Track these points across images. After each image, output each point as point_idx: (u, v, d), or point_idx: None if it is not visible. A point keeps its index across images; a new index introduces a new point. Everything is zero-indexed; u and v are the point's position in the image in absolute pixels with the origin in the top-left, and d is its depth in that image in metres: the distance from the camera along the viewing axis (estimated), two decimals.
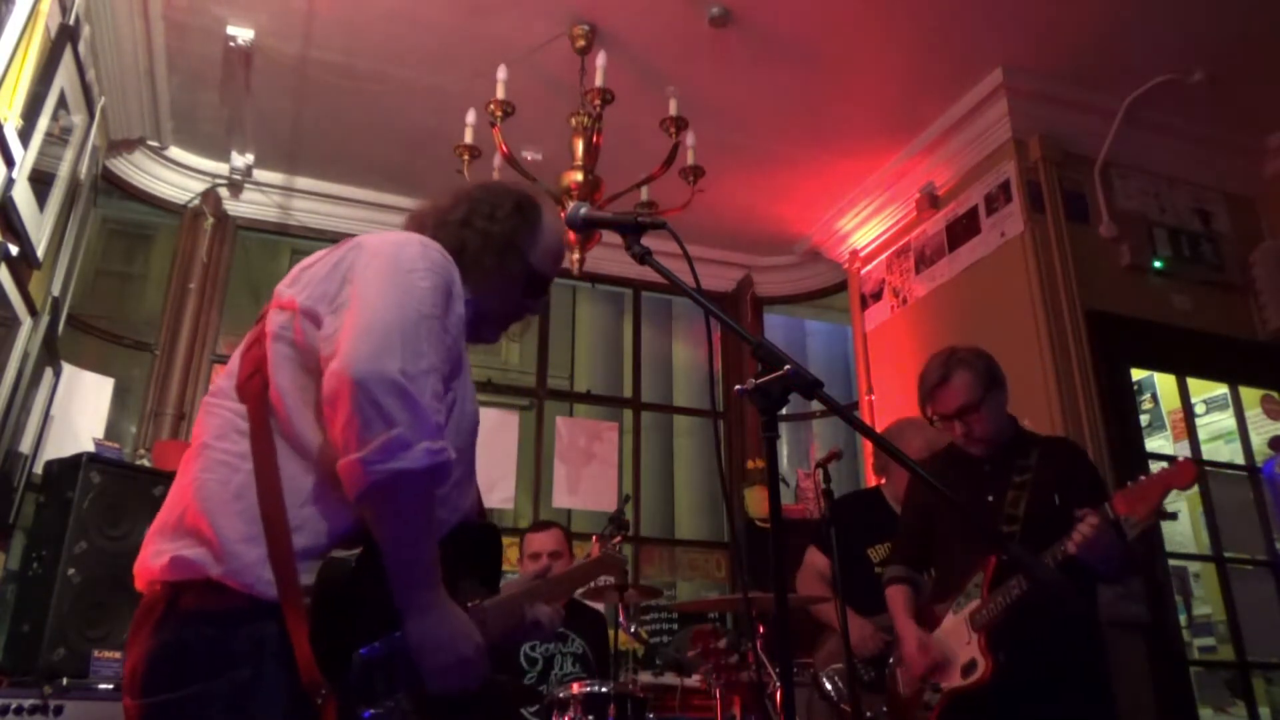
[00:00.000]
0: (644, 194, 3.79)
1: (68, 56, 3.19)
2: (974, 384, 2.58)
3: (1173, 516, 2.39)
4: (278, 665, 1.20)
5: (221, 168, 4.81)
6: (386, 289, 1.32)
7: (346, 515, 1.28)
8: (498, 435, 5.02)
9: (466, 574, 1.45)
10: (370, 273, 1.36)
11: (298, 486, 1.29)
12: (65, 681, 2.93)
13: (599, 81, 3.49)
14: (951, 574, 2.60)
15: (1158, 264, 4.15)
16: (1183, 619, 3.90)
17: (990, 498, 2.56)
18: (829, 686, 3.03)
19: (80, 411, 4.07)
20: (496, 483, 4.92)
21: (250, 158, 4.75)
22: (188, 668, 1.21)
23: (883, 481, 3.46)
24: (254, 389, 1.35)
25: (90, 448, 3.48)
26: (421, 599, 1.28)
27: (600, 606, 3.79)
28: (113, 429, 4.33)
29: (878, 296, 4.97)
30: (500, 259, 1.57)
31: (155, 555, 1.28)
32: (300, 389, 1.33)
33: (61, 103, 3.27)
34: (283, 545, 1.24)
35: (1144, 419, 4.28)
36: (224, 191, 4.89)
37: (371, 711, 1.24)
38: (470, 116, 3.69)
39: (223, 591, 1.23)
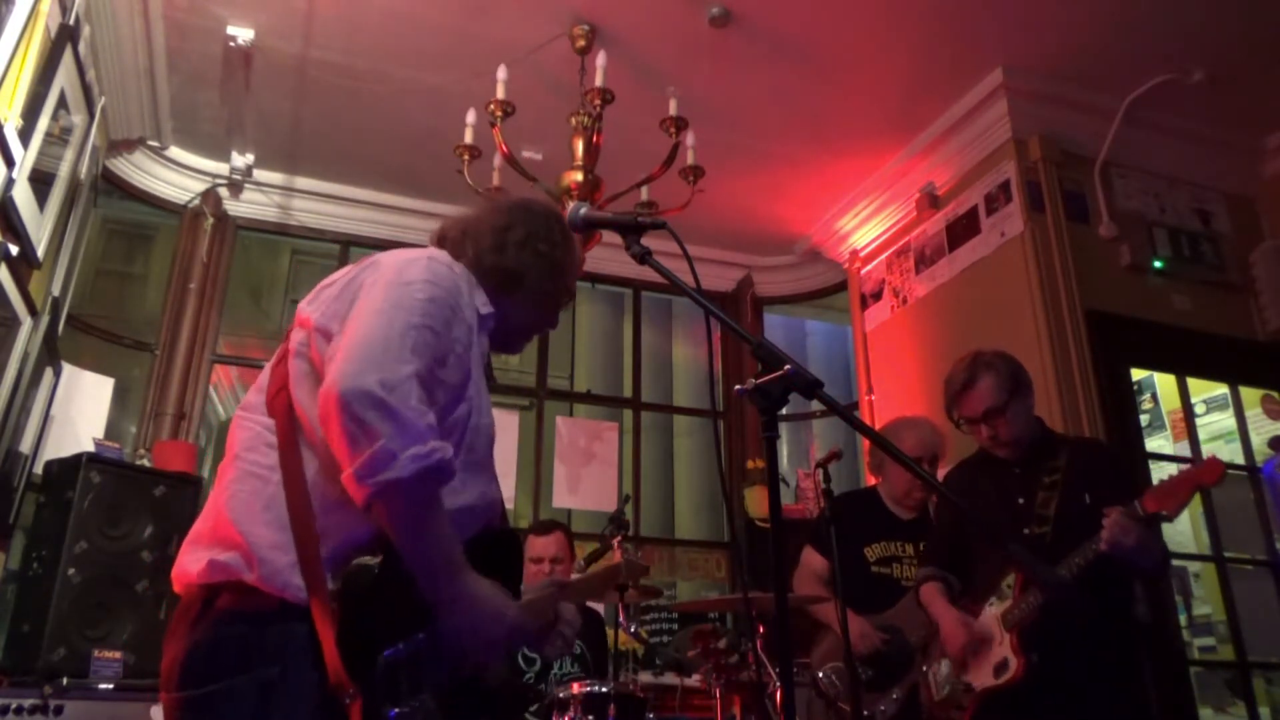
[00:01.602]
0: (644, 194, 3.78)
1: (68, 56, 3.19)
2: (999, 387, 2.60)
3: (1168, 518, 2.41)
4: (306, 664, 1.26)
5: (221, 168, 4.81)
6: (380, 304, 1.39)
7: (369, 522, 1.34)
8: (498, 435, 5.01)
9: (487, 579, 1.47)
10: (374, 290, 1.42)
11: (323, 495, 1.35)
12: (65, 681, 2.93)
13: (599, 81, 3.48)
14: (984, 575, 2.61)
15: (1158, 264, 4.15)
16: (1183, 619, 3.90)
17: (1021, 500, 2.57)
18: (825, 685, 3.03)
19: (80, 411, 4.06)
20: None
21: (250, 158, 4.75)
22: (220, 663, 1.28)
23: (879, 481, 3.46)
24: (281, 404, 1.42)
25: (90, 448, 3.48)
26: (446, 592, 1.33)
27: (600, 607, 3.79)
28: (113, 429, 4.32)
29: (878, 296, 4.98)
30: (557, 280, 1.71)
31: (193, 561, 1.36)
32: (317, 401, 1.38)
33: (61, 103, 3.27)
34: (311, 552, 1.31)
35: (1144, 419, 4.28)
36: (224, 191, 4.89)
37: (396, 710, 1.28)
38: (470, 116, 3.69)
39: (257, 594, 1.30)
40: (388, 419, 1.27)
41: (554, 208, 1.79)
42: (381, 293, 1.41)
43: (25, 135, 2.90)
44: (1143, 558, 2.32)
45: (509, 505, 5.15)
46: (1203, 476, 2.32)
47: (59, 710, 2.87)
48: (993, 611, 2.52)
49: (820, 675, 3.07)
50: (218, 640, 1.29)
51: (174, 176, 4.77)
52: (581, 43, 3.79)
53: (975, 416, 2.63)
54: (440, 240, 1.69)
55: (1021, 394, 2.63)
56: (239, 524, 1.33)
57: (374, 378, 1.28)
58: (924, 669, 2.72)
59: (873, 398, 4.90)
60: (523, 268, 1.64)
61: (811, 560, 3.35)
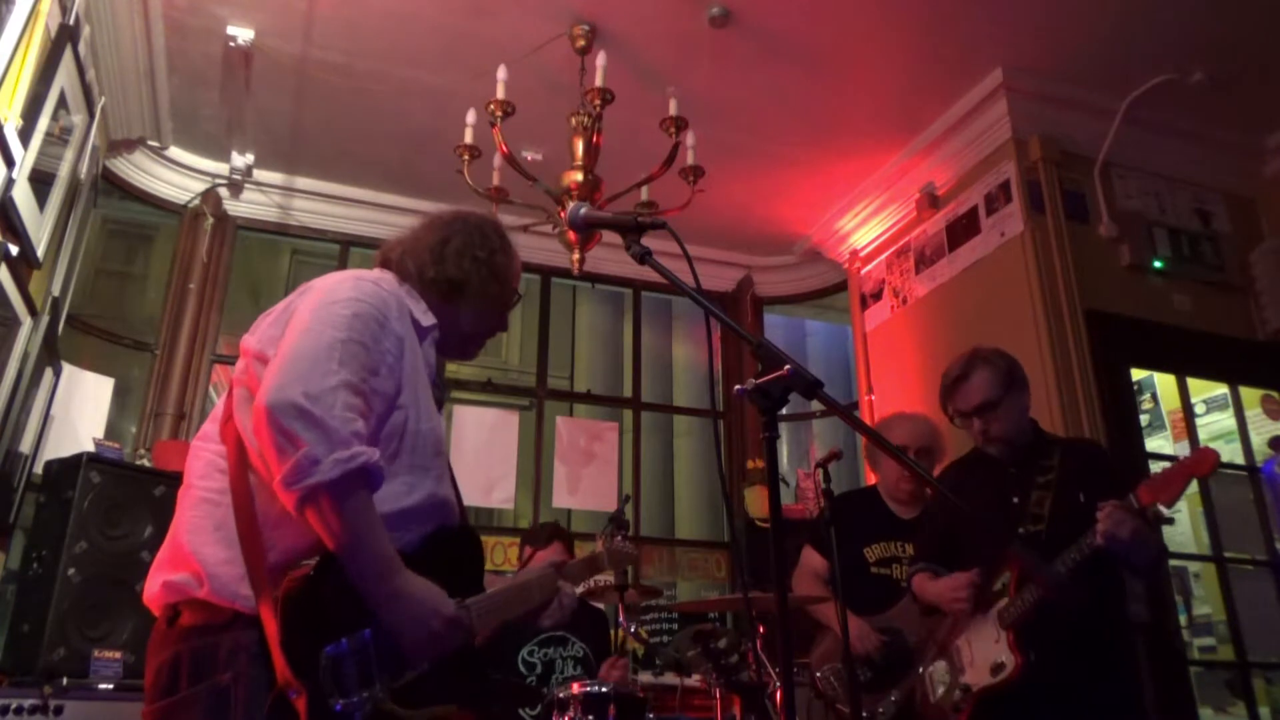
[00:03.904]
0: (644, 194, 3.78)
1: (68, 56, 3.19)
2: (994, 382, 2.60)
3: (1169, 521, 2.40)
4: (259, 667, 1.35)
5: (221, 168, 4.81)
6: (307, 324, 1.47)
7: (310, 531, 1.40)
8: (498, 435, 5.02)
9: (446, 579, 1.52)
10: (302, 313, 1.51)
11: (268, 512, 1.44)
12: (65, 681, 2.93)
13: (599, 81, 3.48)
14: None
15: (1158, 264, 4.15)
16: (1183, 619, 3.90)
17: (1015, 499, 2.57)
18: (823, 685, 3.03)
19: (80, 411, 4.06)
20: (496, 483, 4.91)
21: (250, 158, 4.75)
22: (181, 675, 1.39)
23: (879, 479, 3.45)
24: (230, 432, 1.52)
25: (90, 448, 3.47)
26: (383, 589, 1.39)
27: (600, 606, 3.79)
28: (113, 429, 4.33)
29: (878, 296, 4.98)
30: (501, 284, 1.79)
31: (154, 584, 1.48)
32: None
33: (61, 103, 3.27)
34: (258, 564, 1.40)
35: (1144, 419, 4.28)
36: (224, 191, 4.89)
37: (342, 703, 1.33)
38: (470, 116, 3.68)
39: (211, 608, 1.41)
40: (311, 427, 1.34)
41: (490, 216, 1.87)
42: (309, 313, 1.50)
43: (25, 135, 2.90)
44: (1138, 552, 2.31)
45: (509, 505, 5.16)
46: (1197, 467, 2.31)
47: (59, 710, 2.86)
48: (989, 610, 2.51)
49: (819, 676, 3.07)
50: (178, 655, 1.40)
51: (174, 176, 4.77)
52: (581, 43, 3.79)
53: (968, 410, 2.62)
54: (384, 263, 1.77)
55: (1016, 391, 2.62)
56: (191, 546, 1.44)
57: (298, 390, 1.36)
58: (920, 669, 2.72)
59: (873, 398, 4.90)
60: (463, 275, 1.73)
61: (811, 559, 3.34)
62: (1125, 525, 2.25)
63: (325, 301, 1.52)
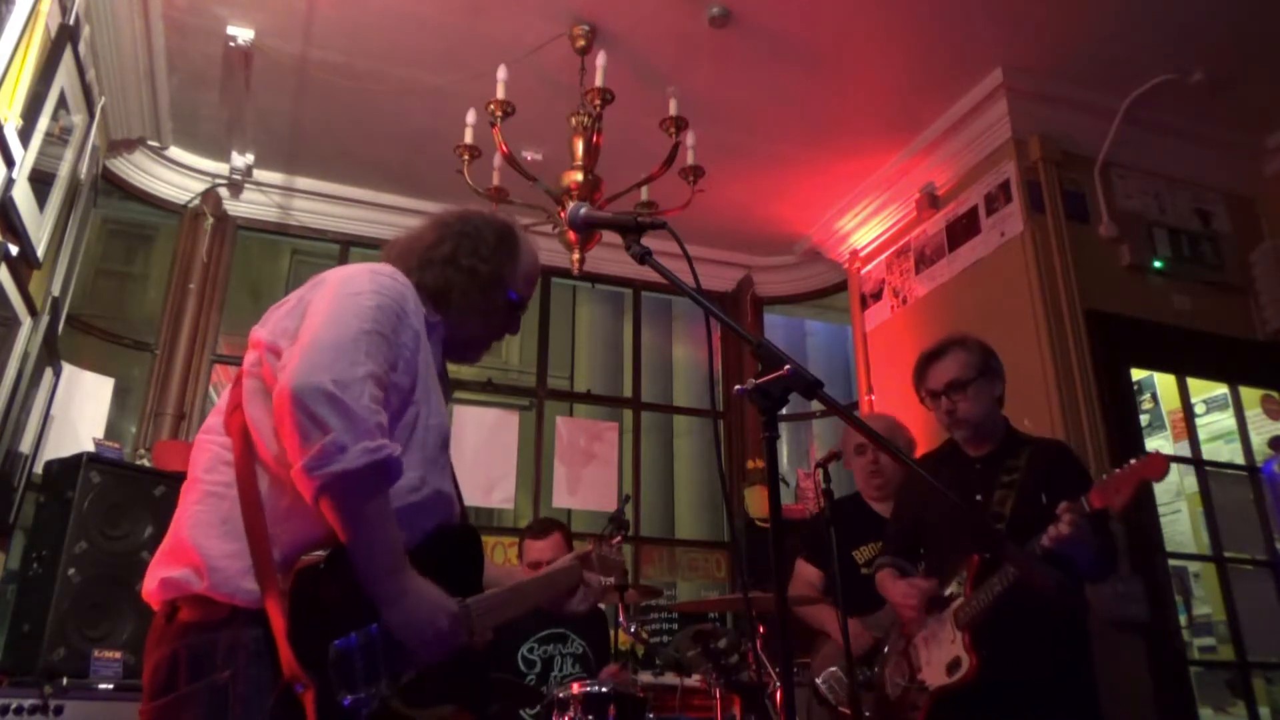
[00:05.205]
0: (644, 194, 3.78)
1: (68, 56, 3.19)
2: (967, 363, 2.62)
3: (1115, 513, 2.39)
4: (258, 665, 1.32)
5: (221, 168, 4.81)
6: (329, 312, 1.45)
7: (318, 524, 1.38)
8: (498, 435, 5.02)
9: (447, 576, 1.52)
10: (322, 303, 1.49)
11: (275, 505, 1.42)
12: (65, 681, 2.93)
13: (599, 81, 3.48)
14: (939, 571, 2.61)
15: (1158, 264, 4.15)
16: (1183, 619, 3.89)
17: (979, 496, 2.58)
18: (826, 691, 3.04)
19: (80, 411, 4.06)
20: (496, 483, 4.91)
21: (250, 158, 4.75)
22: (178, 673, 1.36)
23: None
24: (236, 423, 1.50)
25: (90, 448, 3.47)
26: (391, 586, 1.38)
27: (600, 606, 3.79)
28: (113, 429, 4.32)
29: (878, 296, 4.97)
30: (487, 294, 1.72)
31: (151, 580, 1.45)
32: (269, 417, 1.44)
33: (61, 103, 3.27)
34: (264, 557, 1.37)
35: (1144, 419, 4.28)
36: (224, 191, 4.89)
37: (351, 698, 1.32)
38: (470, 116, 3.68)
39: (209, 604, 1.37)
40: (340, 414, 1.33)
41: (495, 219, 1.78)
42: (331, 303, 1.47)
43: (25, 135, 2.90)
44: (1082, 558, 2.31)
45: (509, 505, 5.16)
46: (1145, 471, 2.30)
47: (59, 710, 2.86)
48: (945, 609, 2.52)
49: (819, 682, 3.07)
50: (176, 652, 1.37)
51: (174, 176, 4.77)
52: (581, 43, 3.79)
53: (938, 389, 2.64)
54: (387, 260, 1.73)
55: (988, 378, 2.64)
56: (194, 540, 1.41)
57: (327, 376, 1.34)
58: (875, 669, 2.73)
59: (873, 398, 4.90)
60: (447, 285, 1.68)
61: (805, 572, 3.38)
62: (1076, 531, 2.25)
63: (348, 292, 1.50)
